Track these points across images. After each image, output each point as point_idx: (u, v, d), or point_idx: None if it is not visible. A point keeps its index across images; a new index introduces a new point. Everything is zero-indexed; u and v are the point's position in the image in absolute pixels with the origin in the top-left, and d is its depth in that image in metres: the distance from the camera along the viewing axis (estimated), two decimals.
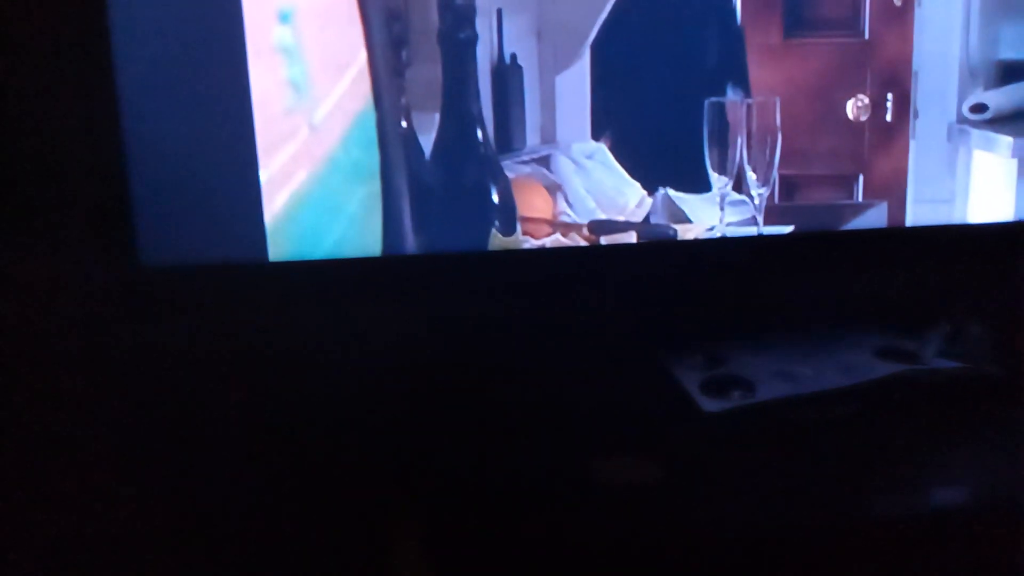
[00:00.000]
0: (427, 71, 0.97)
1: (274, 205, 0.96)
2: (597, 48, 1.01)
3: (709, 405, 0.94)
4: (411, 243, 1.00)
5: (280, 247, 0.97)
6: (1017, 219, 1.09)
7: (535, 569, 0.83)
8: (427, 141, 0.99)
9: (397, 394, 1.00)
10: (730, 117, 1.02)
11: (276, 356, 0.98)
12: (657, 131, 1.04)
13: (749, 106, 1.02)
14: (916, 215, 1.07)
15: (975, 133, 1.08)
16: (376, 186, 0.99)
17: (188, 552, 0.85)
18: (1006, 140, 1.08)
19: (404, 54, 0.96)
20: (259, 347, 0.99)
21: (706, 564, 0.82)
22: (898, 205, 1.07)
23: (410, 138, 0.98)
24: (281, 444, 0.94)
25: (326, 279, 0.99)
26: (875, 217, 1.06)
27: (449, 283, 1.04)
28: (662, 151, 1.04)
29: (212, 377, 0.97)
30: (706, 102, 1.01)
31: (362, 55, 0.96)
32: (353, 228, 0.99)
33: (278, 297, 0.99)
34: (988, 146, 1.08)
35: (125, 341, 0.97)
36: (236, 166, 0.95)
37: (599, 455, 0.90)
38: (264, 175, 0.95)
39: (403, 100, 0.97)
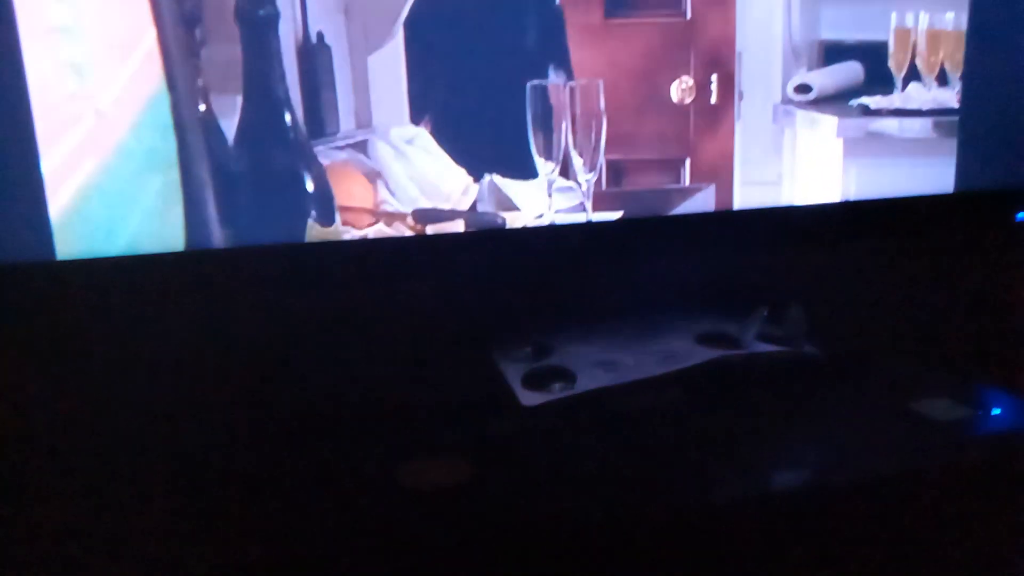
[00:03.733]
0: (225, 51, 0.94)
1: (60, 199, 0.91)
2: (411, 27, 1.00)
3: (528, 399, 0.94)
4: (218, 236, 0.96)
5: (69, 244, 0.92)
6: (843, 200, 1.13)
7: None
8: (230, 126, 0.96)
9: (198, 399, 0.96)
10: (553, 100, 1.03)
11: (68, 362, 0.93)
12: (480, 115, 1.04)
13: (572, 89, 1.03)
14: (744, 198, 1.10)
15: (800, 114, 1.11)
16: (175, 175, 0.95)
17: None
18: (830, 120, 1.12)
19: (198, 32, 0.92)
20: (49, 352, 0.93)
21: (523, 563, 0.81)
22: (726, 188, 1.09)
23: (211, 123, 0.96)
24: (61, 466, 0.89)
25: (122, 277, 0.93)
26: (703, 201, 1.08)
27: (262, 277, 1.01)
28: (486, 136, 1.05)
29: None
30: (527, 85, 1.00)
31: (151, 34, 0.91)
32: (151, 222, 0.96)
33: (68, 298, 0.93)
34: (813, 127, 1.11)
35: None
36: (13, 157, 0.89)
37: (407, 457, 0.89)
38: (46, 166, 0.89)
39: (200, 82, 0.93)
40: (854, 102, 1.14)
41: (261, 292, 1.01)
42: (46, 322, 0.95)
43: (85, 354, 0.95)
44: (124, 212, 0.95)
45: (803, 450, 0.95)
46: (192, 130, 0.95)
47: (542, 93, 1.04)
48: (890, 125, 1.14)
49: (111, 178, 0.93)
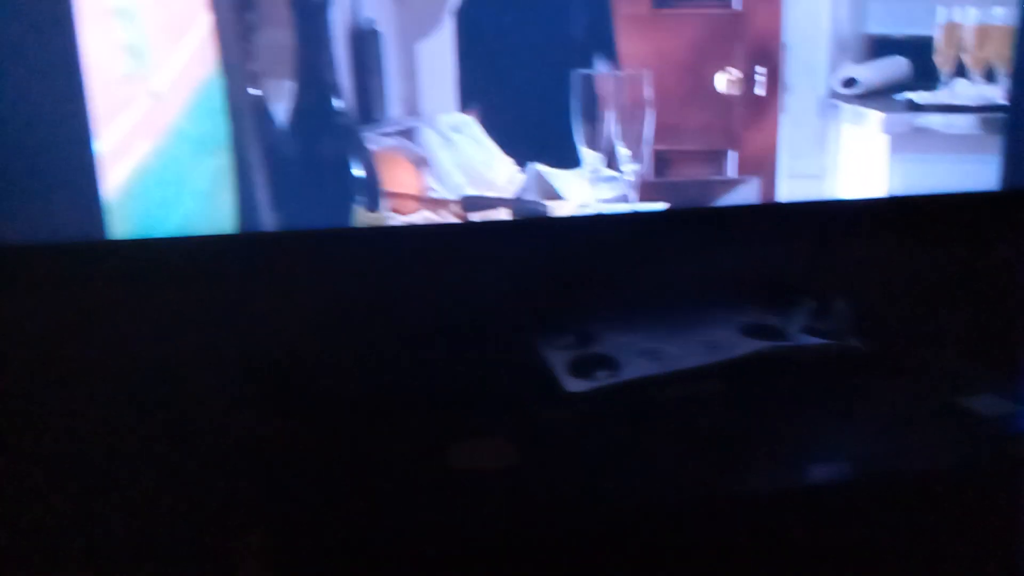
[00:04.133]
0: (278, 36, 0.95)
1: (114, 179, 0.92)
2: (461, 16, 0.99)
3: (573, 385, 0.94)
4: (268, 220, 0.97)
5: (122, 224, 0.93)
6: (887, 195, 1.12)
7: (397, 561, 0.81)
8: (281, 110, 0.96)
9: (251, 382, 0.97)
10: (599, 90, 1.03)
11: (114, 341, 0.94)
12: (526, 104, 1.05)
13: (619, 79, 1.03)
14: (788, 191, 1.09)
15: (846, 108, 1.10)
16: (226, 159, 0.96)
17: None
18: (876, 115, 1.11)
19: (252, 17, 0.93)
20: (97, 332, 0.94)
21: (567, 547, 0.82)
22: (770, 181, 1.09)
23: (262, 107, 0.97)
24: (116, 443, 0.90)
25: (172, 258, 0.95)
26: (747, 193, 1.08)
27: (310, 262, 1.02)
28: (532, 125, 1.05)
29: (39, 366, 0.92)
30: (574, 74, 1.01)
31: (206, 18, 0.92)
32: (203, 204, 0.97)
33: (119, 277, 0.95)
34: (858, 121, 1.10)
35: None
36: (69, 137, 0.92)
37: (458, 439, 0.89)
38: (100, 147, 0.91)
39: (253, 67, 0.94)
40: (900, 97, 1.14)
41: (308, 275, 1.02)
42: (98, 299, 0.96)
43: (135, 331, 0.97)
44: (176, 194, 0.96)
45: (846, 443, 0.95)
46: (244, 114, 0.96)
47: (588, 83, 1.04)
48: (936, 121, 1.13)
49: (164, 160, 0.95)
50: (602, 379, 0.96)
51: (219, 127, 0.96)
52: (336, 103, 0.99)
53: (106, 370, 0.96)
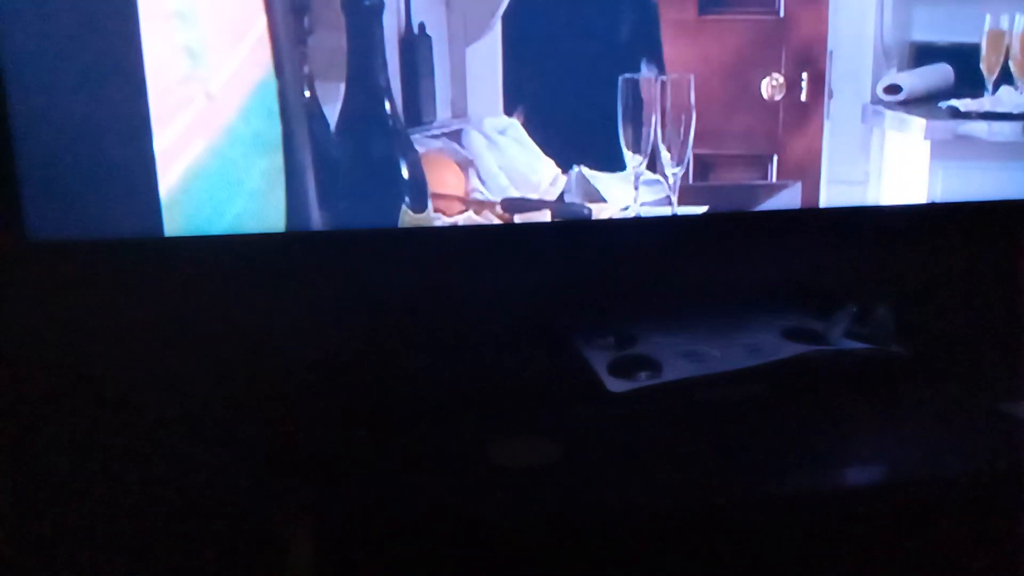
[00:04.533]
0: (331, 39, 0.97)
1: (169, 178, 0.95)
2: (509, 20, 1.01)
3: (615, 386, 0.95)
4: (316, 219, 0.99)
5: (176, 222, 0.96)
6: (929, 201, 1.12)
7: (438, 556, 0.82)
8: (332, 112, 1.00)
9: (299, 379, 0.99)
10: (644, 94, 1.04)
11: (169, 337, 0.96)
12: (571, 107, 1.06)
13: (663, 83, 1.04)
14: (830, 196, 1.10)
15: (889, 114, 1.11)
16: (278, 159, 0.99)
17: None
18: (919, 122, 1.12)
19: (306, 20, 0.95)
20: (153, 327, 0.96)
21: (607, 547, 0.83)
22: (812, 186, 1.10)
23: (314, 109, 0.99)
24: (170, 434, 0.92)
25: (225, 256, 0.97)
26: (789, 198, 1.09)
27: (357, 261, 1.03)
28: (576, 128, 1.06)
29: (99, 359, 0.94)
30: (620, 78, 1.02)
31: (262, 21, 0.94)
32: (254, 203, 0.99)
33: (174, 274, 0.97)
34: (902, 127, 1.11)
35: (11, 318, 0.95)
36: (128, 136, 0.94)
37: (502, 437, 0.91)
38: (158, 146, 0.93)
39: (306, 69, 0.98)
40: (944, 104, 1.14)
41: (354, 274, 1.04)
42: (154, 296, 0.98)
43: (189, 325, 0.99)
44: (229, 193, 0.98)
45: (887, 447, 0.95)
46: (297, 116, 0.98)
47: (633, 86, 1.05)
48: (979, 128, 1.13)
49: (219, 159, 0.97)
50: (643, 380, 0.97)
51: (272, 128, 0.98)
52: (386, 106, 1.00)
53: (158, 363, 0.98)
